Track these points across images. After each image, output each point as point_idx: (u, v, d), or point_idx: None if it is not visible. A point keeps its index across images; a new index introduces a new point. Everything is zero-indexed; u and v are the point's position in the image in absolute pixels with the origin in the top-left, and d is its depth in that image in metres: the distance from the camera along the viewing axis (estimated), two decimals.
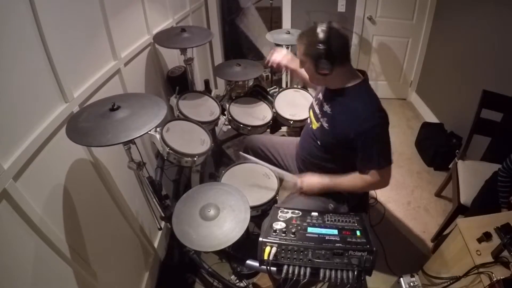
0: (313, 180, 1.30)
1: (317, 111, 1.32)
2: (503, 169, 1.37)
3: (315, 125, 1.31)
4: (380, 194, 2.21)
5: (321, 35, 1.07)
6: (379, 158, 1.15)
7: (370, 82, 1.23)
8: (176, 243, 1.68)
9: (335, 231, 1.00)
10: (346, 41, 1.13)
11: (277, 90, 2.25)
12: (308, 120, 1.41)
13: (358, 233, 1.00)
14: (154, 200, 1.20)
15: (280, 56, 1.52)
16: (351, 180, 1.25)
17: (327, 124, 1.24)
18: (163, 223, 1.28)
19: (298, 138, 1.56)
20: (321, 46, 1.07)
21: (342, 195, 1.36)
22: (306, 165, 1.40)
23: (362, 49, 3.24)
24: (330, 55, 1.08)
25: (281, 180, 1.48)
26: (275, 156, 1.60)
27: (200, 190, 1.25)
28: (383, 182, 1.21)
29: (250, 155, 1.64)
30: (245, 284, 1.52)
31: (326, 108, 1.25)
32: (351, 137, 1.15)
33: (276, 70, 1.56)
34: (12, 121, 0.82)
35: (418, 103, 3.29)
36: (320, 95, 1.34)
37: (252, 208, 1.27)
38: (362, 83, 1.19)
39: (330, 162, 1.30)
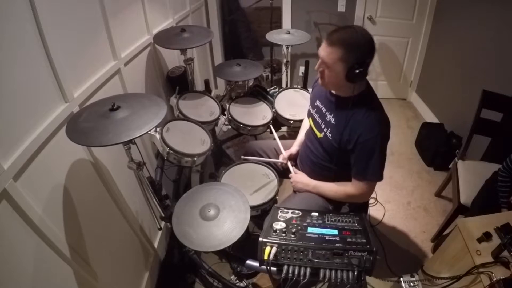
0: (301, 180, 1.38)
1: (319, 120, 1.31)
2: (503, 169, 1.37)
3: (319, 135, 1.30)
4: (380, 194, 2.21)
5: (364, 42, 1.04)
6: (369, 171, 1.15)
7: (370, 82, 1.23)
8: (176, 243, 1.68)
9: (335, 231, 1.00)
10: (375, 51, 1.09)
11: (277, 90, 2.26)
12: (309, 127, 1.41)
13: (358, 233, 1.00)
14: (154, 200, 1.20)
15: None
16: (333, 189, 1.29)
17: (330, 134, 1.23)
18: (163, 223, 1.28)
19: (294, 141, 1.58)
20: (362, 57, 1.04)
21: None
22: (310, 165, 1.40)
23: None
24: (368, 63, 1.06)
25: (281, 180, 1.49)
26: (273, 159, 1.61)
27: (200, 190, 1.25)
28: (364, 195, 1.23)
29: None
30: (245, 284, 1.52)
31: (329, 117, 1.24)
32: (350, 147, 1.16)
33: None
34: (12, 121, 0.82)
35: (418, 103, 3.29)
36: (318, 103, 1.32)
37: (252, 208, 1.27)
38: (367, 91, 1.18)
39: (334, 164, 1.30)
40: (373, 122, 1.12)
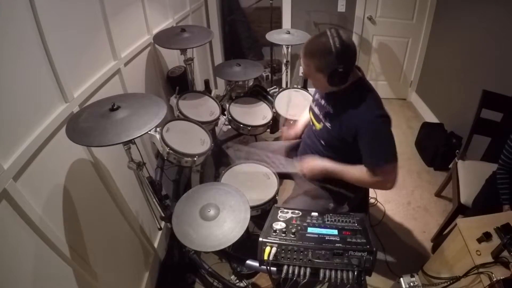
0: (314, 163, 1.28)
1: (317, 112, 1.32)
2: (500, 166, 1.38)
3: (317, 126, 1.32)
4: (380, 194, 2.21)
5: (334, 49, 1.03)
6: (382, 154, 1.14)
7: (370, 82, 1.24)
8: (176, 243, 1.68)
9: (335, 231, 1.00)
10: (355, 49, 1.10)
11: (277, 90, 2.25)
12: (310, 122, 1.42)
13: (358, 233, 1.00)
14: (154, 200, 1.20)
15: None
16: (359, 172, 1.19)
17: (329, 124, 1.24)
18: (163, 223, 1.28)
19: (295, 140, 1.58)
20: (337, 63, 1.04)
21: (343, 195, 1.36)
22: None
23: (362, 49, 3.24)
24: (346, 69, 1.06)
25: (281, 180, 1.49)
26: (274, 161, 1.61)
27: (200, 190, 1.25)
28: (388, 181, 1.17)
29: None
30: (245, 284, 1.52)
31: (328, 108, 1.25)
32: (354, 133, 1.15)
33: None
34: (12, 121, 0.82)
35: (418, 103, 3.28)
36: (318, 96, 1.34)
37: (252, 208, 1.27)
38: (361, 80, 1.19)
39: (334, 159, 1.29)
40: (372, 106, 1.13)
